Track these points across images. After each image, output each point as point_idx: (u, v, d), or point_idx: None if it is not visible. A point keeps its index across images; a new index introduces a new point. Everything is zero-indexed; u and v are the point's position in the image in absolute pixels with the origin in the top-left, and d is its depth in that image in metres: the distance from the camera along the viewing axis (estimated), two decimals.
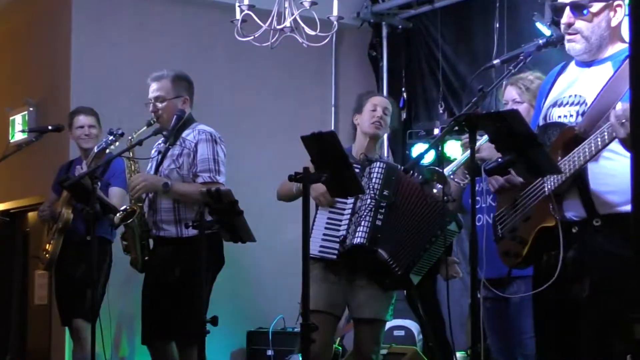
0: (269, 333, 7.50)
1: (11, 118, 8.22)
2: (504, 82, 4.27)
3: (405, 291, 7.09)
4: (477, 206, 4.58)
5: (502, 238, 3.65)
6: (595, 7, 3.44)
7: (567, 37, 3.50)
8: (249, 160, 7.81)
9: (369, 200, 4.70)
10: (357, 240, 4.66)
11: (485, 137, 3.86)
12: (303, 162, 3.88)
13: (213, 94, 7.69)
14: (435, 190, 4.67)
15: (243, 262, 7.20)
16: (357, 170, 4.64)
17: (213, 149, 5.13)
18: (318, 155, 3.80)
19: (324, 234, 4.79)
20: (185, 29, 7.97)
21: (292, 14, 5.59)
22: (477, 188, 4.51)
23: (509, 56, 3.74)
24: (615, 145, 3.22)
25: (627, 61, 3.18)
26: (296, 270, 3.70)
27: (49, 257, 5.99)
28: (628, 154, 2.92)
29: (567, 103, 3.52)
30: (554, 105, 3.57)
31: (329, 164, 3.76)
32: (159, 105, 5.20)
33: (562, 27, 3.52)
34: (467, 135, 3.59)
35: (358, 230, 4.67)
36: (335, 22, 5.60)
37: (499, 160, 3.27)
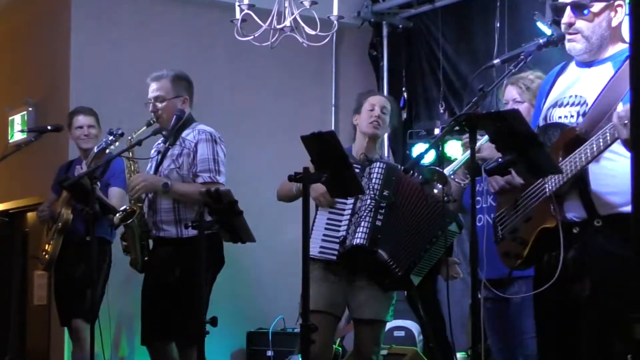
0: (269, 333, 7.49)
1: (10, 118, 8.21)
2: (504, 82, 4.26)
3: (405, 292, 7.08)
4: (477, 206, 4.57)
5: (502, 239, 3.65)
6: (596, 7, 3.44)
7: (567, 36, 3.50)
8: (249, 160, 7.80)
9: (368, 201, 4.68)
10: (357, 241, 4.64)
11: (486, 136, 3.85)
12: (303, 162, 3.88)
13: (213, 94, 7.68)
14: (435, 191, 4.66)
15: (243, 262, 7.19)
16: (357, 170, 4.62)
17: (213, 149, 5.12)
18: (318, 155, 3.79)
19: (324, 235, 4.78)
20: (185, 28, 7.96)
21: (292, 14, 5.57)
22: (477, 188, 4.51)
23: (509, 55, 3.74)
24: (616, 146, 3.22)
25: (627, 61, 3.16)
26: (296, 270, 3.70)
27: (48, 258, 5.98)
28: (629, 155, 2.91)
29: (567, 103, 3.51)
30: (554, 105, 3.56)
31: (329, 164, 3.75)
32: (159, 105, 5.19)
33: (563, 26, 3.51)
34: (467, 135, 3.58)
35: (358, 230, 4.66)
36: (335, 22, 5.58)
37: (500, 160, 3.27)
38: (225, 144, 5.23)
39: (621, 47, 3.46)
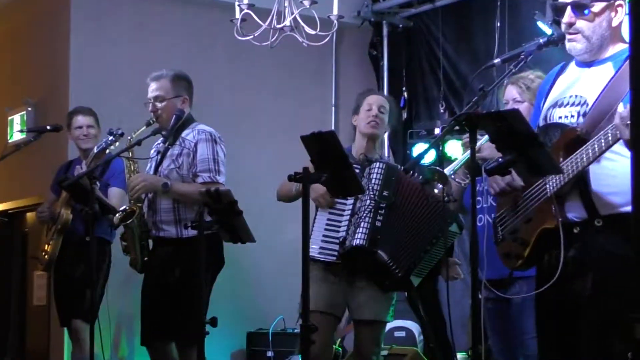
0: (269, 334, 7.49)
1: (10, 118, 8.20)
2: (504, 81, 4.25)
3: (406, 292, 7.07)
4: (478, 206, 4.57)
5: (502, 240, 3.64)
6: (597, 6, 3.44)
7: (568, 36, 3.50)
8: (249, 160, 7.79)
9: (368, 201, 4.67)
10: (356, 242, 4.62)
11: (486, 136, 3.84)
12: (303, 162, 3.87)
13: (213, 94, 7.67)
14: (436, 191, 4.64)
15: (243, 262, 7.18)
16: (357, 170, 4.61)
17: (213, 149, 5.11)
18: (318, 155, 3.79)
19: (324, 235, 4.77)
20: (184, 28, 7.95)
21: (292, 13, 5.57)
22: (478, 188, 4.50)
23: (509, 55, 3.74)
24: (617, 146, 3.22)
25: (627, 61, 3.16)
26: (296, 270, 3.69)
27: (47, 258, 5.97)
28: (629, 155, 2.91)
29: (567, 103, 3.51)
30: (554, 105, 3.56)
31: (329, 164, 3.75)
32: (158, 105, 5.18)
33: (563, 26, 3.51)
34: (467, 134, 3.57)
35: (357, 231, 4.64)
36: (335, 21, 5.57)
37: (500, 160, 3.26)
38: (225, 144, 5.22)
39: (621, 47, 3.46)
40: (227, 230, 4.59)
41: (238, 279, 7.33)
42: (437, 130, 7.97)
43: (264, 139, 8.15)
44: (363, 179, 4.66)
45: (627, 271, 2.33)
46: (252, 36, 5.65)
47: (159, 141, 5.28)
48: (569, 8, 3.46)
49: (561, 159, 3.34)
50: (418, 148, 8.00)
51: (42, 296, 7.94)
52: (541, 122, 3.60)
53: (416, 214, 4.70)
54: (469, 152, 3.37)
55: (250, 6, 5.55)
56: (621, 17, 3.46)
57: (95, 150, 5.64)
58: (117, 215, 5.24)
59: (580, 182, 3.35)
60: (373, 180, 4.68)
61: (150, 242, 5.27)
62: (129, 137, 5.17)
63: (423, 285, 4.79)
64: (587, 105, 3.42)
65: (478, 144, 4.01)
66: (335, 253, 4.72)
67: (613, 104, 3.29)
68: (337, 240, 4.72)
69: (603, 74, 3.44)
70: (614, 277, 3.24)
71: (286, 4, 5.58)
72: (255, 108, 8.20)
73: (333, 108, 8.63)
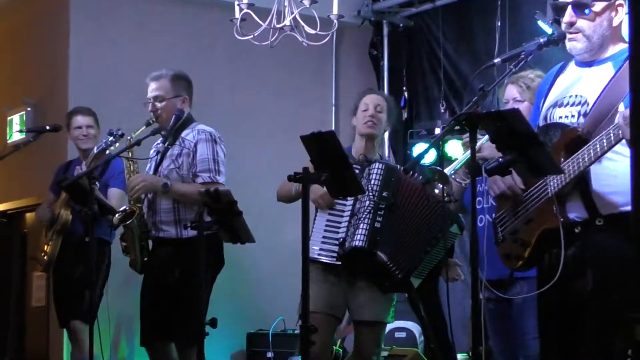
0: (269, 335, 7.47)
1: (9, 118, 8.19)
2: (505, 81, 4.25)
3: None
4: (478, 206, 4.56)
5: (502, 240, 3.63)
6: (598, 6, 3.45)
7: (568, 35, 3.49)
8: (249, 160, 7.78)
9: (367, 202, 4.65)
10: (355, 243, 4.61)
11: (487, 136, 3.83)
12: (303, 162, 3.86)
13: (213, 94, 7.66)
14: (437, 191, 4.63)
15: (243, 263, 7.17)
16: (356, 171, 4.59)
17: (213, 149, 5.10)
18: (318, 155, 3.78)
19: (324, 236, 4.75)
20: (184, 28, 7.94)
21: (292, 13, 5.55)
22: (478, 188, 4.49)
23: (510, 55, 3.73)
24: (618, 146, 3.22)
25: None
26: (296, 271, 3.69)
27: (47, 259, 5.96)
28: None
29: (568, 103, 3.50)
30: (554, 105, 3.56)
31: (328, 164, 3.74)
32: (158, 104, 5.17)
33: (564, 25, 3.51)
34: (467, 134, 3.56)
35: (357, 232, 4.62)
36: (335, 21, 5.56)
37: (500, 159, 3.25)
38: (225, 144, 5.21)
39: (622, 47, 3.46)
40: (226, 230, 4.58)
41: (238, 280, 7.32)
42: (437, 130, 7.96)
43: (264, 139, 8.14)
44: (362, 180, 4.65)
45: (627, 270, 2.33)
46: (252, 36, 5.64)
47: (159, 141, 5.27)
48: (569, 7, 3.46)
49: (562, 159, 3.33)
50: (418, 148, 7.99)
51: (41, 297, 7.92)
52: (541, 122, 3.60)
53: (416, 215, 4.69)
54: (469, 152, 3.36)
55: (250, 6, 5.54)
56: (621, 17, 3.46)
57: (95, 150, 5.63)
58: (116, 215, 5.23)
59: (581, 182, 3.35)
60: (372, 181, 4.66)
61: (150, 242, 5.26)
62: (128, 137, 5.16)
63: (423, 286, 4.77)
64: (588, 105, 3.42)
65: (478, 143, 4.00)
66: (335, 254, 4.71)
67: (614, 104, 3.29)
68: (336, 242, 4.71)
69: (603, 73, 3.44)
70: (614, 275, 3.24)
71: (286, 3, 5.57)
72: (255, 108, 8.19)
73: (333, 108, 8.61)
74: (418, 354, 7.08)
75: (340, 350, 6.90)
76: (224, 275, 5.22)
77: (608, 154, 3.26)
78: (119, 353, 7.37)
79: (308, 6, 5.43)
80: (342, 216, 4.74)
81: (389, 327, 5.23)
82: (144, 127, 5.19)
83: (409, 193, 4.71)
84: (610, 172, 3.32)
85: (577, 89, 3.50)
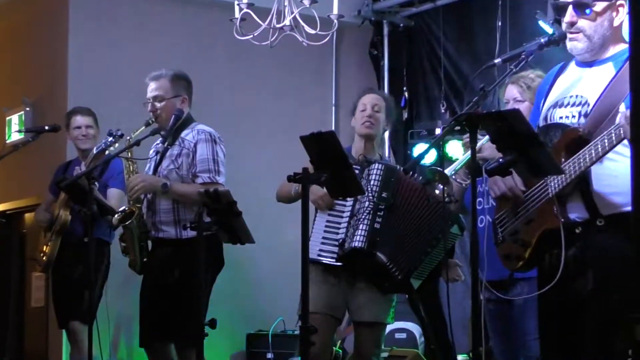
0: (268, 335, 7.47)
1: (8, 118, 8.19)
2: (505, 81, 4.24)
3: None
4: (479, 207, 4.55)
5: (502, 241, 3.63)
6: (599, 6, 3.44)
7: (569, 35, 3.49)
8: (249, 160, 7.78)
9: (367, 203, 4.63)
10: (355, 244, 4.59)
11: (487, 136, 3.83)
12: (303, 162, 3.86)
13: (213, 94, 7.66)
14: (437, 191, 4.62)
15: (243, 263, 7.17)
16: (356, 171, 4.58)
17: (212, 149, 5.09)
18: (317, 156, 3.77)
19: (323, 237, 4.74)
20: (184, 28, 7.94)
21: (292, 13, 5.54)
22: (479, 189, 4.48)
23: (510, 55, 3.73)
24: (619, 147, 3.21)
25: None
26: (296, 271, 3.69)
27: (46, 259, 5.95)
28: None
29: (568, 104, 3.50)
30: (555, 105, 3.55)
31: (328, 164, 3.73)
32: (158, 104, 5.16)
33: (565, 25, 3.50)
34: (468, 134, 3.55)
35: (356, 233, 4.61)
36: (335, 21, 5.55)
37: (500, 160, 3.24)
38: (225, 144, 5.20)
39: (622, 47, 3.46)
40: (226, 231, 4.57)
41: (238, 280, 7.31)
42: (438, 130, 7.95)
43: (264, 139, 8.14)
44: (362, 180, 4.63)
45: (627, 271, 2.32)
46: (251, 36, 5.63)
47: (158, 141, 5.26)
48: (570, 7, 3.46)
49: (563, 160, 3.33)
50: (419, 148, 7.98)
51: (40, 297, 7.92)
52: (541, 123, 3.59)
53: (416, 215, 4.67)
54: (469, 152, 3.36)
55: (250, 5, 5.53)
56: (622, 17, 3.46)
57: (94, 151, 5.62)
58: (116, 216, 5.22)
59: (582, 183, 3.35)
60: (372, 182, 4.65)
61: (150, 243, 5.25)
62: (127, 138, 5.15)
63: (423, 287, 4.76)
64: (589, 105, 3.41)
65: (479, 144, 4.00)
66: (335, 255, 4.70)
67: (615, 104, 3.29)
68: (336, 242, 4.70)
69: (604, 74, 3.44)
70: (614, 276, 3.24)
71: (286, 3, 5.56)
72: (255, 108, 8.18)
73: (333, 108, 8.61)
74: (418, 355, 7.07)
75: (340, 351, 6.89)
76: (224, 276, 5.21)
77: (609, 155, 3.26)
78: (118, 354, 7.37)
79: (308, 6, 5.42)
80: (341, 217, 4.73)
81: (389, 328, 5.22)
82: (144, 127, 5.18)
83: (409, 193, 4.69)
84: (611, 173, 3.31)
85: (578, 89, 3.50)
